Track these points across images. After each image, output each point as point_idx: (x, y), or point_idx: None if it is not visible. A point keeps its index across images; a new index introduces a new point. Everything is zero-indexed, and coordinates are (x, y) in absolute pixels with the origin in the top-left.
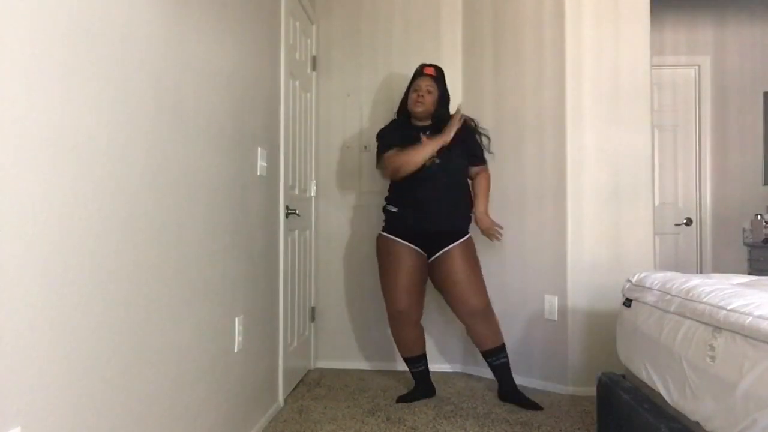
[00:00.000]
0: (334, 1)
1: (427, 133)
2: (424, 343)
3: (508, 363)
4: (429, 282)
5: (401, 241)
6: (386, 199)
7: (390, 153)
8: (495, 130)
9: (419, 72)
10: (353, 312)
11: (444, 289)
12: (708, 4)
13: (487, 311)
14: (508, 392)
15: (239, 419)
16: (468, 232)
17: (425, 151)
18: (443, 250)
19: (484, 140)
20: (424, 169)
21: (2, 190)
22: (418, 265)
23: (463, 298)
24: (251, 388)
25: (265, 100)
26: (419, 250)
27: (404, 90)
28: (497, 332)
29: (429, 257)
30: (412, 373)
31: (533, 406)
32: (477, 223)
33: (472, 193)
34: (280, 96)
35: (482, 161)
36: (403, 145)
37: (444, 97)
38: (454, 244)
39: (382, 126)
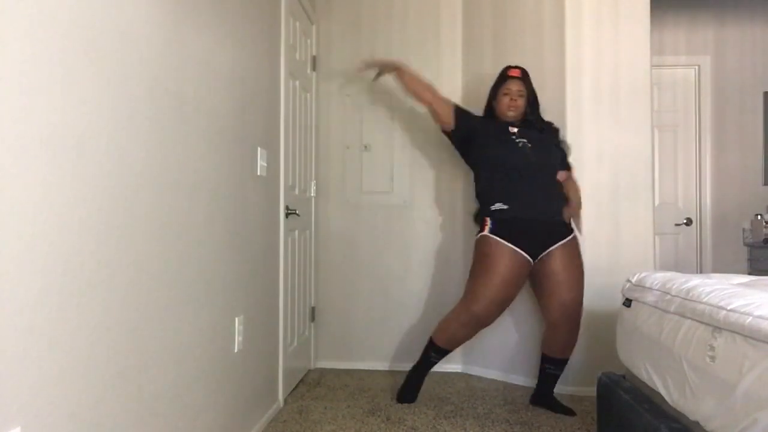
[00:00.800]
0: (334, 1)
1: (516, 128)
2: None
3: (559, 376)
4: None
5: (508, 244)
6: (483, 200)
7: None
8: None
9: (506, 76)
10: (353, 312)
11: (542, 285)
12: (708, 4)
13: (579, 312)
14: (543, 397)
15: (239, 419)
16: (573, 230)
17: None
18: (548, 250)
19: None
20: (516, 151)
21: (2, 190)
22: (517, 274)
23: (562, 290)
24: (251, 388)
25: (265, 100)
26: (525, 254)
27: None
28: (574, 342)
29: (536, 255)
30: (427, 361)
31: (566, 411)
32: (571, 213)
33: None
34: (280, 96)
35: (569, 167)
36: (496, 137)
37: (533, 97)
38: (560, 243)
39: (382, 126)
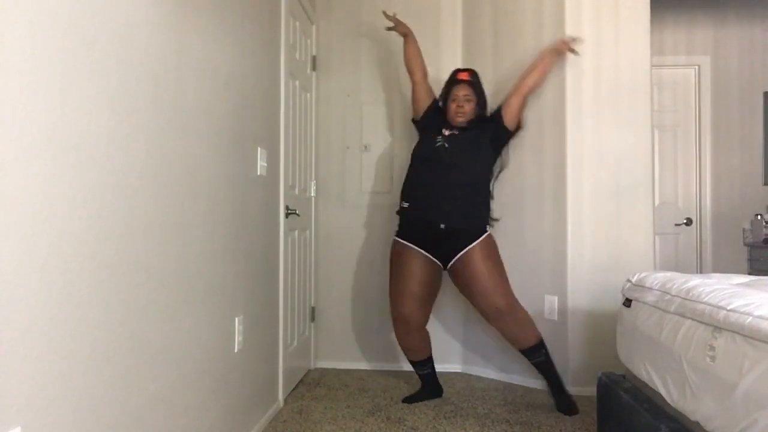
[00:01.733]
0: (334, 1)
1: (448, 131)
2: (428, 346)
3: (545, 361)
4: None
5: (413, 246)
6: (405, 183)
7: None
8: None
9: (454, 79)
10: (353, 312)
11: (467, 293)
12: (708, 4)
13: (513, 310)
14: (552, 393)
15: (239, 419)
16: (486, 230)
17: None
18: (460, 254)
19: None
20: (432, 150)
21: (2, 190)
22: (428, 272)
23: (486, 301)
24: (251, 388)
25: (265, 100)
26: (432, 257)
27: (404, 90)
28: (528, 331)
29: (446, 263)
30: (419, 375)
31: (566, 409)
32: (555, 50)
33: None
34: (280, 96)
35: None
36: (426, 130)
37: (482, 100)
38: (472, 245)
39: (382, 126)
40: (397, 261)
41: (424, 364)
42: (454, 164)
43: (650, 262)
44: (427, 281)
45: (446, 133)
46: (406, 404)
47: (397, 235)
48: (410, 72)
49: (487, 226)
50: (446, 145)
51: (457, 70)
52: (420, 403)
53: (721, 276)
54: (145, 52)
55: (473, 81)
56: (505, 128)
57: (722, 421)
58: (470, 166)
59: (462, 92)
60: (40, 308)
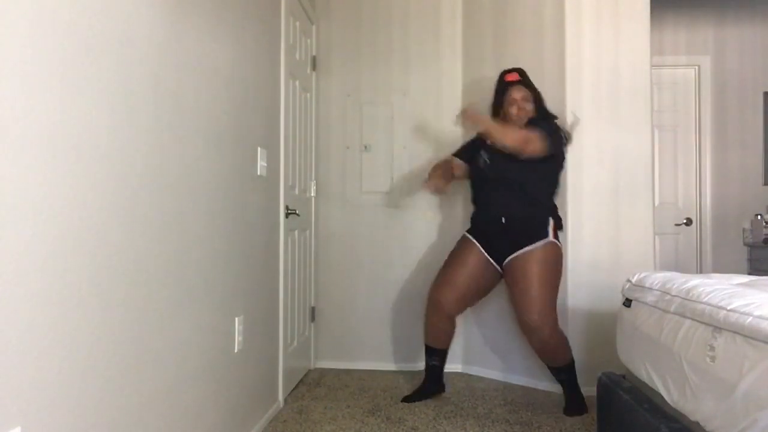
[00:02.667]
0: (334, 1)
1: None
2: (449, 339)
3: (566, 380)
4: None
5: (475, 241)
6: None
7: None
8: None
9: (505, 82)
10: (353, 312)
11: (509, 295)
12: (708, 4)
13: (543, 330)
14: (566, 397)
15: (239, 419)
16: (548, 235)
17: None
18: (517, 253)
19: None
20: (478, 171)
21: (2, 190)
22: (480, 269)
23: (520, 309)
24: (251, 388)
25: (265, 100)
26: (490, 259)
27: (404, 90)
28: (555, 355)
29: (501, 262)
30: (426, 365)
31: (571, 410)
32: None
33: (545, 202)
34: (280, 96)
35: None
36: (470, 156)
37: (538, 96)
38: (531, 247)
39: (382, 126)
40: (455, 249)
41: (436, 354)
42: (501, 174)
43: (650, 262)
44: (475, 277)
45: (488, 142)
46: (405, 404)
47: (467, 232)
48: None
49: (550, 231)
50: (487, 160)
51: (505, 72)
52: (420, 403)
53: (721, 276)
54: (145, 52)
55: (524, 80)
56: None
57: (722, 421)
58: (517, 171)
59: (519, 95)
60: (40, 308)
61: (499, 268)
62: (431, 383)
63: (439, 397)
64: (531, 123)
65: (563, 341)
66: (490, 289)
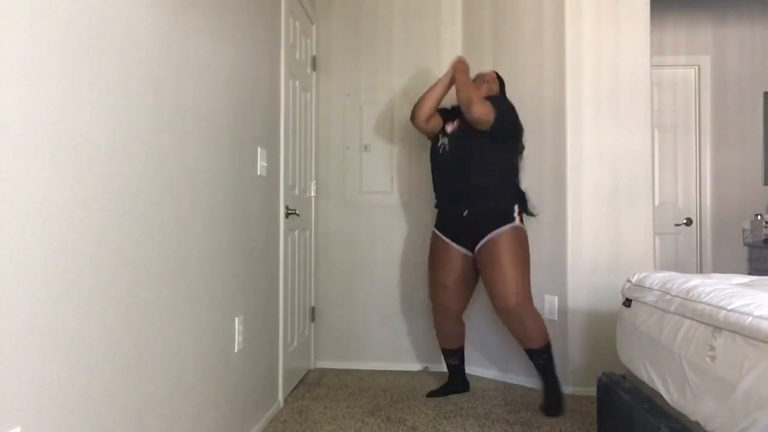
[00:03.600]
0: (334, 1)
1: (451, 126)
2: (461, 338)
3: (543, 365)
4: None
5: (444, 238)
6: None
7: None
8: None
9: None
10: (353, 312)
11: (484, 282)
12: (708, 4)
13: (521, 311)
14: (545, 393)
15: (239, 419)
16: (513, 220)
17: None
18: (484, 240)
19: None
20: (436, 154)
21: (2, 190)
22: (460, 264)
23: (496, 293)
24: (251, 388)
25: (265, 100)
26: (462, 249)
27: (404, 90)
28: (533, 334)
29: (474, 250)
30: (447, 365)
31: (550, 407)
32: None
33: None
34: (280, 96)
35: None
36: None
37: (499, 88)
38: (496, 231)
39: (382, 126)
40: (432, 251)
41: (452, 354)
42: (458, 162)
43: (650, 262)
44: (459, 273)
45: (448, 130)
46: (405, 404)
47: (434, 227)
48: (426, 118)
49: (516, 217)
50: (447, 147)
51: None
52: (420, 403)
53: (721, 276)
54: (145, 52)
55: (498, 76)
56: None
57: (722, 421)
58: (476, 159)
59: (490, 76)
60: (40, 308)
61: (472, 255)
62: (456, 382)
63: (438, 397)
64: (490, 98)
65: (540, 320)
66: (477, 276)
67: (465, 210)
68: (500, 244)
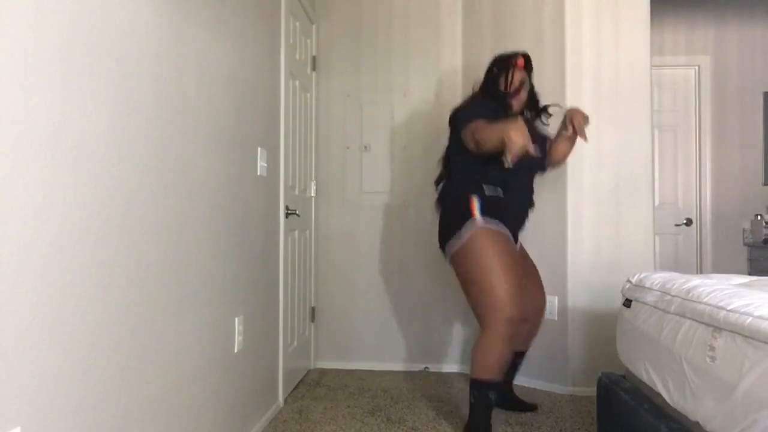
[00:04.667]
0: (334, 1)
1: (526, 116)
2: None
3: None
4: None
5: (507, 231)
6: (475, 180)
7: (479, 122)
8: None
9: (513, 64)
10: (353, 312)
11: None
12: (708, 4)
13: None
14: (510, 395)
15: (239, 419)
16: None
17: (516, 129)
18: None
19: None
20: (527, 158)
21: (2, 190)
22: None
23: (538, 294)
24: (251, 388)
25: (265, 100)
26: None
27: (404, 90)
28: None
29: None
30: (489, 400)
31: (530, 407)
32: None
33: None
34: (280, 96)
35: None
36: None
37: (533, 89)
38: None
39: (382, 126)
40: (491, 248)
41: (498, 387)
42: (536, 173)
43: (650, 262)
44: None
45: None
46: (405, 404)
47: (483, 215)
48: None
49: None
50: (539, 153)
51: (514, 56)
52: (420, 403)
53: (721, 276)
54: (145, 52)
55: (529, 68)
56: None
57: (722, 422)
58: (532, 185)
59: (519, 76)
60: (40, 308)
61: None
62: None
63: (438, 397)
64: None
65: None
66: None
67: (518, 233)
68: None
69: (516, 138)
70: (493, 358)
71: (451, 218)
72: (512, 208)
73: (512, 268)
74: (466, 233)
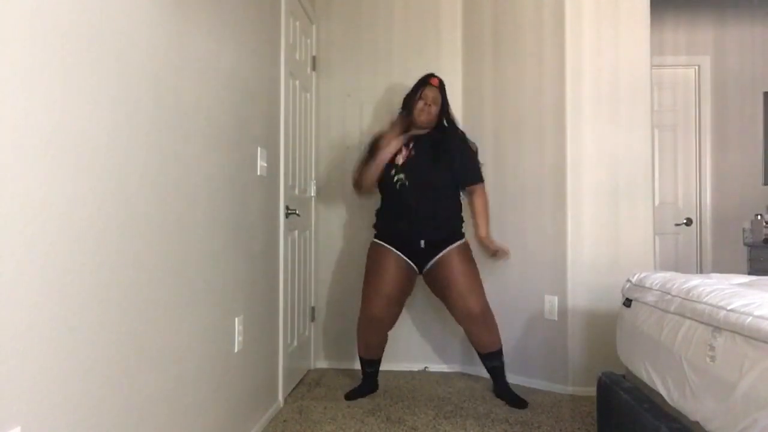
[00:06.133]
0: (334, 2)
1: (402, 156)
2: (384, 348)
3: (503, 366)
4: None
5: (391, 248)
6: (380, 206)
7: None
8: (495, 131)
9: (426, 82)
10: (353, 312)
11: (443, 295)
12: (708, 4)
13: (485, 315)
14: (503, 391)
15: (239, 419)
16: (463, 236)
17: (380, 157)
18: (437, 257)
19: (473, 149)
20: (393, 187)
21: (2, 190)
22: (404, 275)
23: (460, 302)
24: (251, 388)
25: (265, 100)
26: (408, 260)
27: (404, 90)
28: (495, 336)
29: (422, 268)
30: (365, 372)
31: (519, 404)
32: (482, 247)
33: (468, 206)
34: (280, 96)
35: (477, 179)
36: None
37: (445, 108)
38: (449, 248)
39: (382, 126)
40: (374, 261)
41: (374, 365)
42: (420, 195)
43: (650, 262)
44: (401, 283)
45: (399, 161)
46: (405, 404)
47: (376, 238)
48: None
49: (463, 233)
50: (406, 182)
51: (429, 76)
52: (420, 403)
53: (721, 276)
54: (145, 52)
55: (442, 88)
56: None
57: (722, 421)
58: (437, 188)
59: (431, 93)
60: (40, 308)
61: (416, 269)
62: (369, 385)
63: (438, 397)
64: (442, 129)
65: (495, 321)
66: (412, 289)
67: (422, 241)
68: (456, 256)
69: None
70: (363, 340)
71: None
72: (400, 225)
73: (376, 274)
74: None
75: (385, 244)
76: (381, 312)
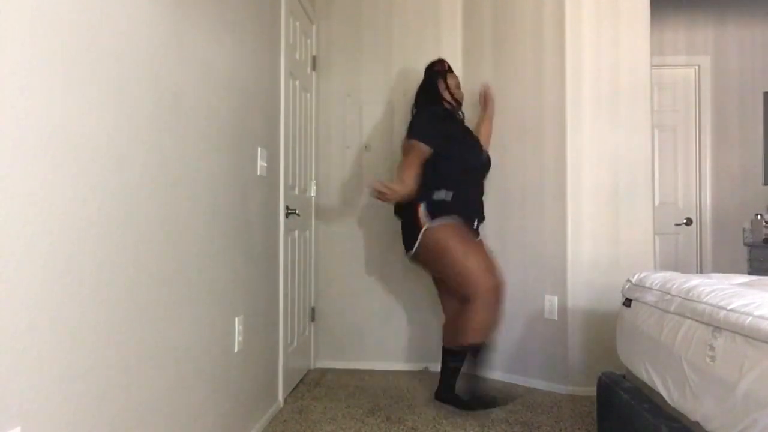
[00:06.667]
0: (334, 1)
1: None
2: None
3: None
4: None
5: (459, 221)
6: (426, 188)
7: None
8: (495, 131)
9: (449, 69)
10: (353, 312)
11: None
12: (708, 4)
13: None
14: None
15: (239, 419)
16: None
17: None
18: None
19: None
20: (477, 160)
21: (2, 190)
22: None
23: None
24: (251, 388)
25: (265, 100)
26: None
27: (404, 90)
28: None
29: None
30: (475, 360)
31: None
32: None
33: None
34: (280, 96)
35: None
36: (457, 138)
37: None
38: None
39: (382, 126)
40: (462, 236)
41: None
42: (484, 174)
43: (650, 262)
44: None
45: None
46: (405, 404)
47: (444, 215)
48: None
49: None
50: (484, 156)
51: (443, 60)
52: (420, 403)
53: (721, 276)
54: (145, 52)
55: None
56: None
57: (722, 421)
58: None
59: (453, 81)
60: (40, 308)
61: None
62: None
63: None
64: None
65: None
66: None
67: (477, 223)
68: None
69: (391, 193)
70: (480, 324)
71: (407, 228)
72: (464, 204)
73: (471, 245)
74: (420, 236)
75: (456, 221)
76: (501, 275)
